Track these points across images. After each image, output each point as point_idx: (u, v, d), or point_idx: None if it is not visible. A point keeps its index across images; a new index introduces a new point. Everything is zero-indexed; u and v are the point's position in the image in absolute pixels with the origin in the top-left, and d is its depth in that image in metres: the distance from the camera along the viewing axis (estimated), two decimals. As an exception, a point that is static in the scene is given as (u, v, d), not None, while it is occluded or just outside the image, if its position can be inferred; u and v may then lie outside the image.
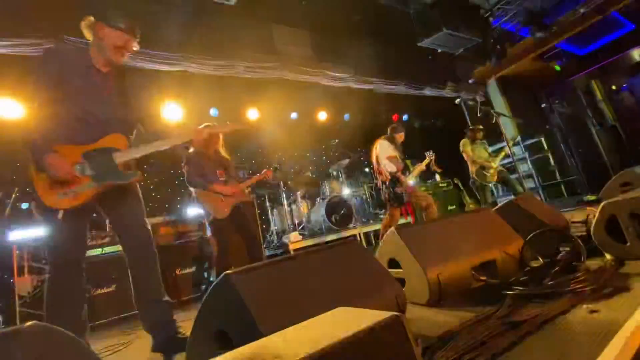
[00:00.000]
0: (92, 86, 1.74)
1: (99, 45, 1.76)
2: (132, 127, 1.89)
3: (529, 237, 1.84)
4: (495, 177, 4.76)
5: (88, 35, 1.78)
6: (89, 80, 1.73)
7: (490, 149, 5.08)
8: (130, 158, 1.74)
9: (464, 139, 5.01)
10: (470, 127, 5.11)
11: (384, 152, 3.93)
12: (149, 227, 1.88)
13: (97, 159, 1.67)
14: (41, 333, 0.70)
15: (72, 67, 1.71)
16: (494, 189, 4.89)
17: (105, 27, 1.73)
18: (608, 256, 1.59)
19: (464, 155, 4.94)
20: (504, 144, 4.68)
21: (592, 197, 5.04)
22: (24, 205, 4.22)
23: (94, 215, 1.90)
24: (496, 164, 4.76)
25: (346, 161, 6.54)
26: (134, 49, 1.83)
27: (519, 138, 4.98)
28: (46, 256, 1.68)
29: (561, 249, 1.70)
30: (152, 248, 1.84)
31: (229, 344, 1.00)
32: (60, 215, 1.61)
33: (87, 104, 1.70)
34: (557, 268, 1.51)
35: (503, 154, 4.78)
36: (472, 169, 4.88)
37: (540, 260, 1.80)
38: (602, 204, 1.62)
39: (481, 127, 5.00)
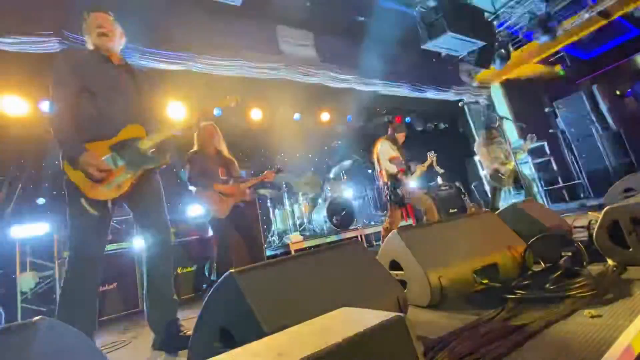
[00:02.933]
0: (108, 80, 1.81)
1: (91, 40, 1.84)
2: (147, 118, 1.93)
3: (531, 241, 1.84)
4: (512, 180, 4.54)
5: (86, 36, 1.87)
6: (104, 75, 1.81)
7: (506, 147, 4.76)
8: (154, 143, 1.81)
9: (479, 140, 4.82)
10: (486, 128, 4.83)
11: (385, 153, 3.89)
12: (169, 225, 1.94)
13: (125, 150, 1.75)
14: (48, 327, 0.71)
15: (87, 65, 1.78)
16: (505, 192, 4.69)
17: (85, 17, 1.82)
18: (610, 261, 1.58)
19: (480, 157, 4.75)
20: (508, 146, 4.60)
21: (594, 203, 4.99)
22: (40, 201, 4.27)
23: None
24: (512, 165, 4.51)
25: (348, 162, 6.55)
26: (113, 27, 1.87)
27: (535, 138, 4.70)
28: (67, 250, 1.70)
29: (563, 253, 1.70)
30: (171, 245, 1.92)
31: (231, 342, 1.01)
32: (109, 204, 1.72)
33: (109, 98, 1.78)
34: (558, 272, 1.51)
35: (520, 155, 4.57)
36: (487, 171, 4.69)
37: (542, 264, 1.80)
38: (604, 209, 1.62)
39: (496, 124, 4.70)
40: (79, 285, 1.66)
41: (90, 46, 1.86)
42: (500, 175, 4.54)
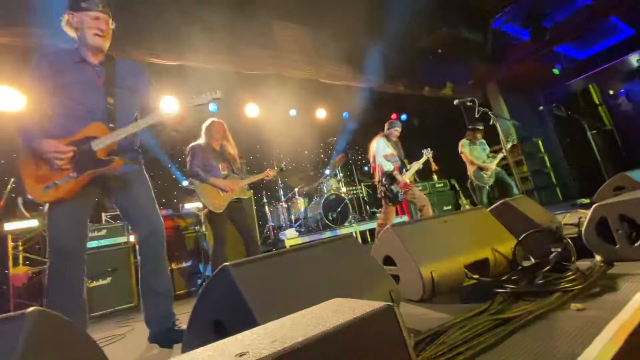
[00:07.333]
0: (84, 79, 1.76)
1: (79, 37, 1.78)
2: (121, 115, 1.84)
3: (521, 237, 1.87)
4: (493, 179, 4.79)
5: (71, 32, 1.80)
6: (80, 74, 1.76)
7: (488, 150, 5.06)
8: (106, 144, 1.72)
9: (463, 140, 4.99)
10: (470, 127, 5.02)
11: (380, 150, 3.93)
12: (160, 216, 1.91)
13: (77, 150, 1.68)
14: (42, 318, 0.72)
15: (62, 64, 1.74)
16: (489, 190, 4.90)
17: (74, 14, 1.75)
18: (598, 257, 1.62)
19: (462, 156, 4.94)
20: (501, 145, 4.69)
21: (586, 201, 5.10)
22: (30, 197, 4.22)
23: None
24: (494, 165, 4.77)
25: (344, 159, 6.56)
26: (110, 26, 1.82)
27: (515, 139, 4.99)
28: (47, 246, 1.68)
29: (553, 249, 1.73)
30: (161, 238, 1.87)
31: (225, 335, 1.02)
32: (46, 208, 1.66)
33: (77, 96, 1.73)
34: (547, 267, 1.54)
35: (501, 155, 4.75)
36: (470, 170, 4.90)
37: (532, 259, 1.83)
38: (593, 206, 1.65)
39: (481, 127, 4.92)
40: (60, 280, 1.64)
41: (79, 42, 1.79)
42: (482, 174, 4.78)
